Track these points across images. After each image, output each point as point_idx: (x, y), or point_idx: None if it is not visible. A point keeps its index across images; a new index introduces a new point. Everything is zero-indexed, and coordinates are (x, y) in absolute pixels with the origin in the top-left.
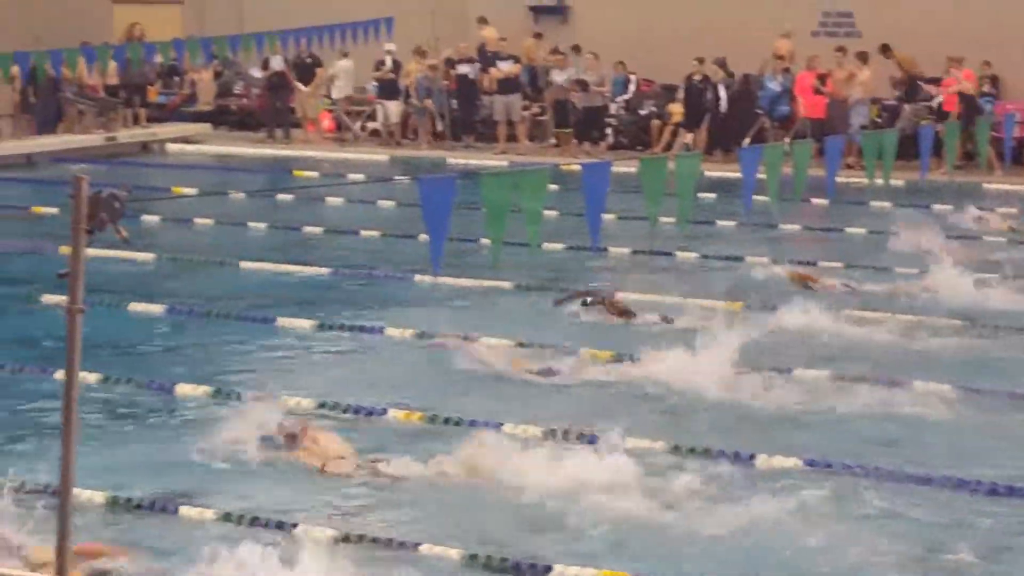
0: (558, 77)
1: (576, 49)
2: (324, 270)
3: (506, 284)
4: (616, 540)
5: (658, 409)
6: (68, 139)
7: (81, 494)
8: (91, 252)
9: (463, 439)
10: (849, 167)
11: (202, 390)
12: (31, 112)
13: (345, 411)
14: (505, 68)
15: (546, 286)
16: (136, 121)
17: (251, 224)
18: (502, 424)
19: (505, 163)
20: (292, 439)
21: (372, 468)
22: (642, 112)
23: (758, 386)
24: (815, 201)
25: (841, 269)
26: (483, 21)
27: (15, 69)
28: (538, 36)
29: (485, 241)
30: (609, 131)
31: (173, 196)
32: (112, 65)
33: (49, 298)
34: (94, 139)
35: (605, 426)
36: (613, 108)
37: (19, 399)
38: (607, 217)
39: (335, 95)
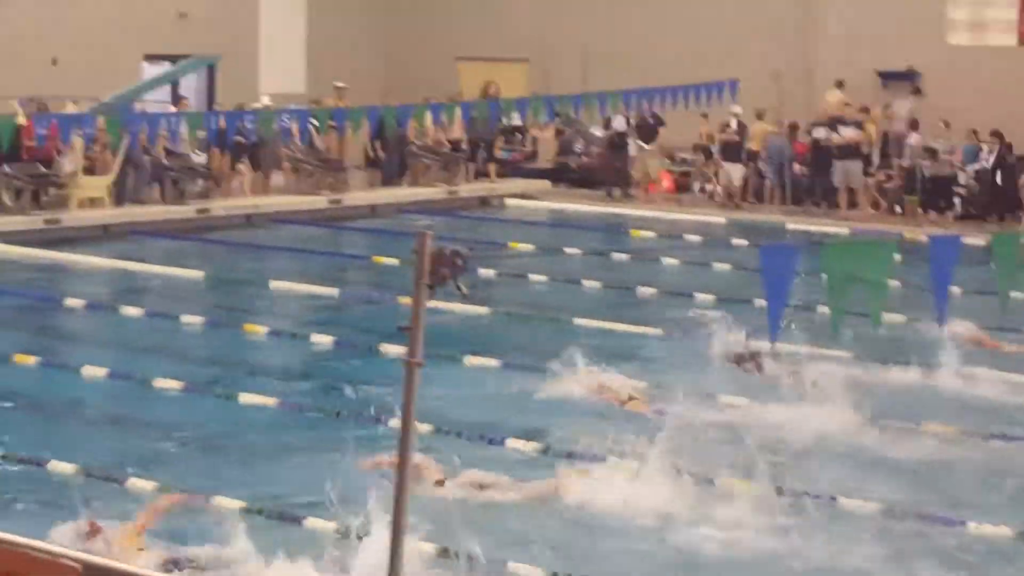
0: (907, 144)
1: (923, 115)
2: (656, 330)
3: (844, 354)
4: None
5: None
6: (412, 191)
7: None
8: (429, 304)
9: None
10: None
11: (531, 446)
12: (378, 164)
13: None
14: (847, 134)
15: (887, 359)
16: (481, 176)
17: (585, 282)
18: None
19: (846, 231)
20: None
21: None
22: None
23: None
24: None
25: None
26: (839, 85)
27: (365, 123)
28: (887, 103)
29: (824, 309)
30: (957, 201)
31: (510, 252)
32: (457, 120)
33: (387, 348)
34: (436, 192)
35: None
36: (963, 178)
37: (348, 443)
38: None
39: None
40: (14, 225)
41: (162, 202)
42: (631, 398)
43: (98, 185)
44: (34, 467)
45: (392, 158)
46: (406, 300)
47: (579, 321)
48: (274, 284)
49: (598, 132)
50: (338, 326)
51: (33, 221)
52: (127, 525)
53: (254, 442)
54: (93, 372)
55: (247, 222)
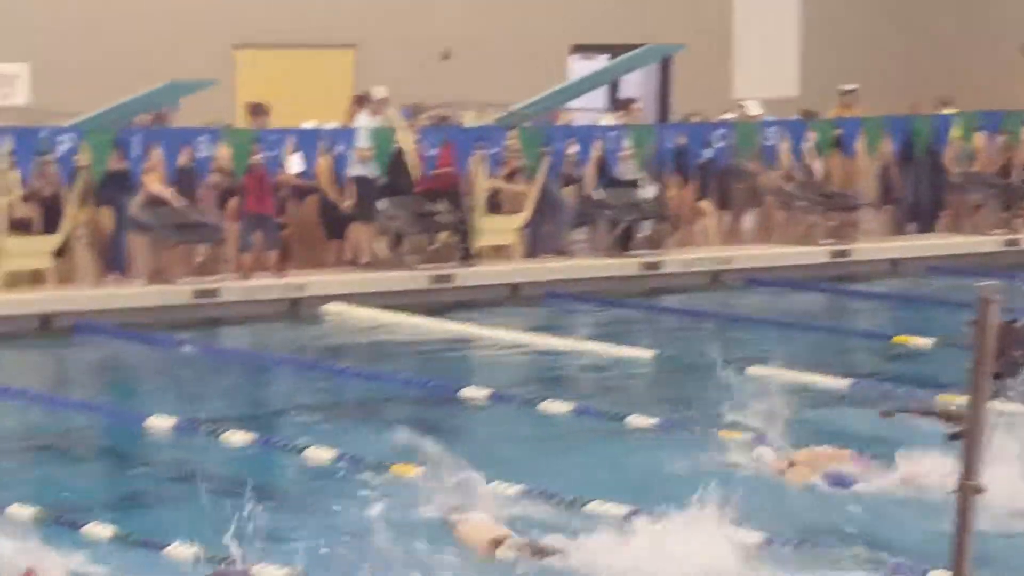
0: None
1: None
2: None
3: None
4: None
5: None
6: (951, 240)
7: None
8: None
9: None
10: None
11: None
12: (898, 198)
13: None
14: None
15: None
16: None
17: None
18: None
19: None
20: None
21: None
22: None
23: None
24: None
25: None
26: None
27: (886, 142)
28: None
29: None
30: None
31: None
32: None
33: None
34: (988, 242)
35: None
36: None
37: None
38: None
39: None
40: (394, 283)
41: (592, 252)
42: None
43: (504, 228)
44: None
45: (921, 189)
46: (947, 397)
47: None
48: (752, 371)
49: None
50: (862, 433)
51: (416, 279)
52: None
53: None
54: (502, 489)
55: (713, 281)
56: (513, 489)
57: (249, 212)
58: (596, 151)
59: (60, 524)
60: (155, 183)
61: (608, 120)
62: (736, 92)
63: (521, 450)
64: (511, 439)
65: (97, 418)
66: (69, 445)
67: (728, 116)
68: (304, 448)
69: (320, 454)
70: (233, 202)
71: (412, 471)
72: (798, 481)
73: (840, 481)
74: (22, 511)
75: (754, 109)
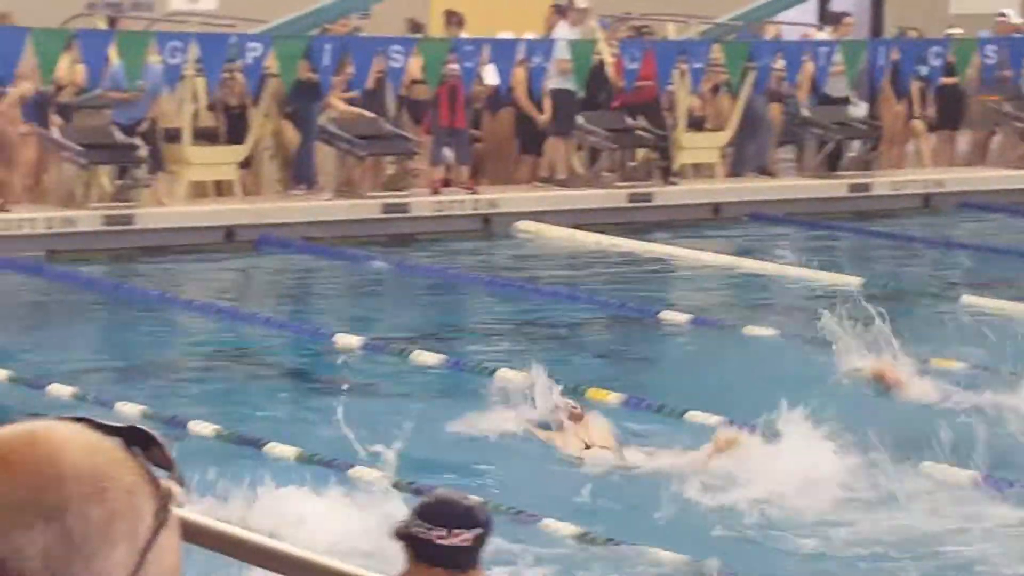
0: None
1: None
2: None
3: None
4: None
5: None
6: None
7: None
8: None
9: None
10: None
11: None
12: None
13: None
14: None
15: None
16: None
17: None
18: None
19: None
20: None
21: None
22: None
23: None
24: None
25: None
26: None
27: None
28: None
29: None
30: None
31: None
32: None
33: None
34: None
35: None
36: None
37: None
38: None
39: None
40: (591, 202)
41: (798, 172)
42: None
43: (707, 145)
44: None
45: None
46: None
47: None
48: (968, 299)
49: None
50: None
51: (614, 197)
52: None
53: None
54: (700, 418)
55: (924, 206)
56: (713, 419)
57: (442, 125)
58: (806, 67)
59: (242, 443)
60: (340, 98)
61: (819, 35)
62: (952, 7)
63: (722, 376)
64: (712, 365)
65: (283, 334)
66: (253, 362)
67: (953, 31)
68: (494, 370)
69: (511, 376)
70: (425, 114)
71: (608, 396)
72: None
73: None
74: (204, 427)
75: (1016, 18)
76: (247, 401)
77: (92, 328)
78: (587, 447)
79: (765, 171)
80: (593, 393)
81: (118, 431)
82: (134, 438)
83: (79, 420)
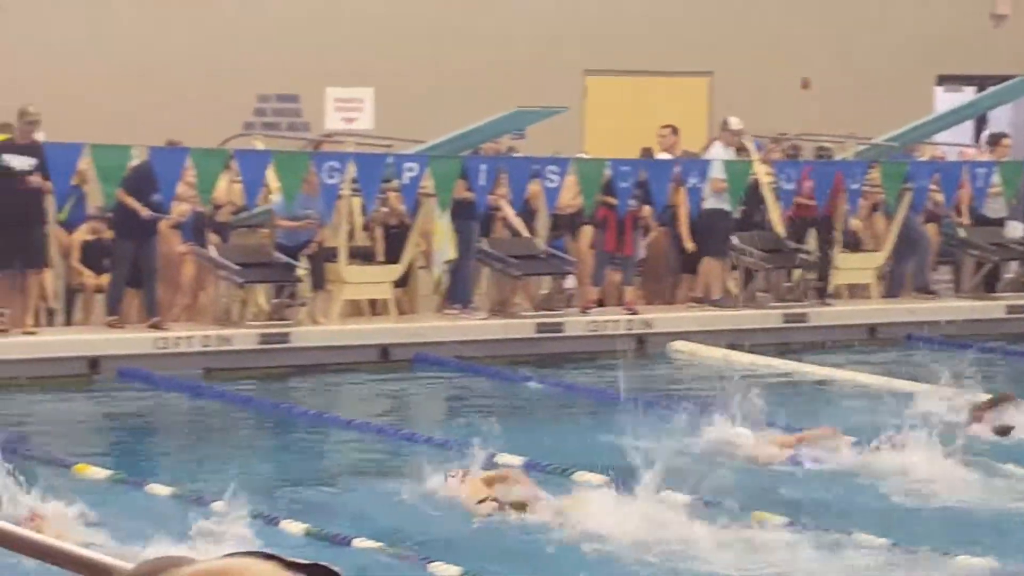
0: None
1: None
2: None
3: None
4: None
5: None
6: None
7: None
8: None
9: None
10: None
11: None
12: None
13: None
14: None
15: None
16: None
17: None
18: None
19: None
20: None
21: None
22: None
23: None
24: None
25: None
26: None
27: None
28: None
29: None
30: None
31: None
32: None
33: None
34: None
35: None
36: None
37: None
38: None
39: None
40: (746, 322)
41: (955, 291)
42: None
43: (863, 265)
44: None
45: None
46: None
47: None
48: None
49: None
50: None
51: (769, 317)
52: None
53: None
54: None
55: None
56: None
57: (608, 250)
58: (963, 188)
59: (404, 559)
60: (507, 211)
61: (977, 155)
62: None
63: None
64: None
65: (439, 453)
66: (406, 478)
67: None
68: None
69: (676, 498)
70: (584, 233)
71: (774, 519)
72: None
73: None
74: (367, 543)
75: None
76: (409, 518)
77: (251, 446)
78: None
79: (925, 291)
80: (757, 515)
81: (306, 568)
82: (319, 575)
83: (269, 557)
